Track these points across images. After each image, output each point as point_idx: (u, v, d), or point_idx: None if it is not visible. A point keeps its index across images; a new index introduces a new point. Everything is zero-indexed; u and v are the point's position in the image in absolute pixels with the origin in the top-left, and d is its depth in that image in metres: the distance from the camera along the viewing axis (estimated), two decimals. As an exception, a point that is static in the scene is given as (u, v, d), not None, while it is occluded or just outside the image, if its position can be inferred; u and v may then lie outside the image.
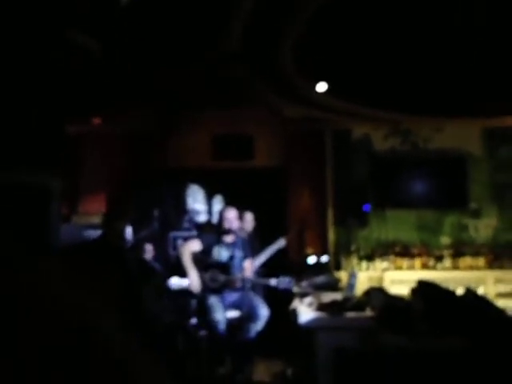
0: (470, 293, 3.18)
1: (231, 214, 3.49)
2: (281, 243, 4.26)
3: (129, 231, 4.07)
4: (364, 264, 5.12)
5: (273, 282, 3.37)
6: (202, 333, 3.66)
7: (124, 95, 4.89)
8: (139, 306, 2.84)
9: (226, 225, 3.44)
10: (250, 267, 3.54)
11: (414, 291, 3.43)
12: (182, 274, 3.52)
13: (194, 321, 3.69)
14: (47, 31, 2.76)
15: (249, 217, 4.25)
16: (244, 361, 3.48)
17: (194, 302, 3.71)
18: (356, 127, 5.53)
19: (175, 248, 4.73)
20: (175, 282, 3.67)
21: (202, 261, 3.39)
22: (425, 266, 5.04)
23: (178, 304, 3.78)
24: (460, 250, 5.12)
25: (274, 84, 4.24)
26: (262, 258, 4.13)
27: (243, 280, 3.39)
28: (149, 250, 4.27)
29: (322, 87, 3.96)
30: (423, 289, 3.39)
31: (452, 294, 3.38)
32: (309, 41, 3.55)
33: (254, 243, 4.16)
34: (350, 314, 3.22)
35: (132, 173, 5.43)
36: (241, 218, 4.12)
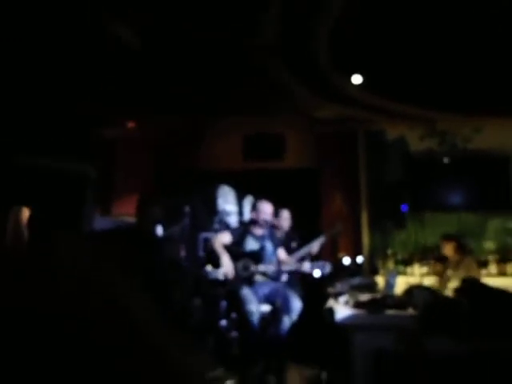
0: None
1: (267, 207, 3.40)
2: (320, 241, 4.09)
3: (159, 228, 4.03)
4: (401, 269, 4.87)
5: (307, 266, 3.22)
6: (234, 334, 3.53)
7: (157, 99, 4.96)
8: (166, 295, 2.76)
9: (261, 216, 3.35)
10: (284, 258, 3.42)
11: (458, 290, 3.20)
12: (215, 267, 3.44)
13: (224, 322, 3.57)
14: (88, 21, 2.82)
15: (285, 214, 4.13)
16: (277, 361, 3.31)
17: (224, 304, 3.60)
18: (390, 128, 5.36)
19: (205, 250, 4.66)
20: (209, 270, 3.57)
21: (234, 252, 3.31)
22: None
23: (210, 303, 3.68)
24: (506, 255, 4.80)
25: (307, 79, 4.18)
26: (301, 253, 3.96)
27: (276, 270, 3.26)
28: (181, 250, 4.21)
29: (357, 79, 3.86)
30: (470, 287, 3.15)
31: (503, 292, 3.12)
32: (345, 33, 3.49)
33: (291, 241, 4.03)
34: (390, 312, 3.02)
35: (165, 175, 5.46)
36: (277, 215, 4.03)
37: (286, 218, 4.12)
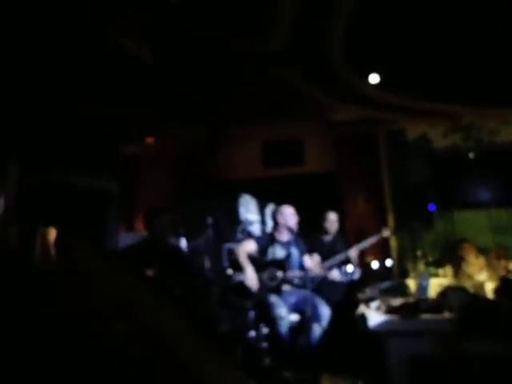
0: None
1: (288, 209, 3.36)
2: (360, 247, 4.00)
3: (183, 241, 4.02)
4: (432, 270, 4.70)
5: (335, 274, 3.14)
6: (264, 345, 3.46)
7: (175, 112, 4.99)
8: (192, 308, 2.73)
9: (282, 220, 3.30)
10: (311, 265, 3.34)
11: (498, 290, 3.05)
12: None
13: (253, 333, 3.51)
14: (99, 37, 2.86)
15: (332, 216, 4.04)
16: (310, 372, 3.22)
17: (252, 314, 3.54)
18: (411, 126, 5.24)
19: (229, 260, 4.62)
20: (231, 273, 3.52)
21: (259, 261, 3.26)
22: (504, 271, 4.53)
23: (237, 313, 3.63)
24: (544, 251, 4.56)
25: (324, 82, 4.12)
26: (339, 258, 3.87)
27: (303, 277, 3.19)
28: (206, 262, 4.18)
29: (374, 79, 3.79)
30: (509, 287, 3.01)
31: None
32: (360, 32, 3.43)
33: (340, 243, 3.95)
34: (425, 317, 2.90)
35: (186, 188, 5.48)
36: (324, 218, 3.97)
37: (333, 220, 4.04)
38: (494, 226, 4.86)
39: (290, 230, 3.39)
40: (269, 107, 4.76)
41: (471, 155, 5.17)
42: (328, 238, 4.13)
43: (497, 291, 2.97)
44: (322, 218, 4.10)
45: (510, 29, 3.42)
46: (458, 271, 4.12)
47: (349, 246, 4.04)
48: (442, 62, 3.95)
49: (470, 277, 3.86)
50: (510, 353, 2.60)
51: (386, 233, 4.09)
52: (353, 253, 3.87)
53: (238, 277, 3.41)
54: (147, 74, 3.82)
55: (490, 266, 3.92)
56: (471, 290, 3.21)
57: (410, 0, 3.19)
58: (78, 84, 3.23)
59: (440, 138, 5.16)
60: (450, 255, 4.55)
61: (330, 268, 3.55)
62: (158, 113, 4.90)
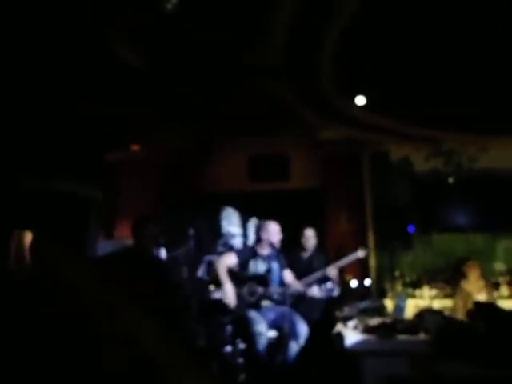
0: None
1: (273, 226, 3.36)
2: (338, 264, 4.01)
3: (163, 251, 3.97)
4: (410, 291, 4.76)
5: (315, 290, 3.14)
6: (239, 361, 3.42)
7: (162, 121, 4.98)
8: (170, 320, 2.68)
9: (265, 236, 3.31)
10: (291, 280, 3.34)
11: (471, 313, 3.11)
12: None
13: (229, 348, 3.47)
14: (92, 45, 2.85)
15: (310, 233, 4.05)
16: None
17: (229, 328, 3.51)
18: (395, 149, 5.36)
19: (209, 273, 4.58)
20: (212, 289, 3.49)
21: (239, 275, 3.24)
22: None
23: (214, 328, 3.58)
24: (518, 276, 4.69)
25: (311, 101, 4.20)
26: (316, 276, 3.87)
27: (282, 293, 3.18)
28: (185, 273, 4.13)
29: (361, 101, 3.88)
30: (482, 310, 3.06)
31: (517, 315, 3.02)
32: (348, 56, 3.52)
33: (316, 260, 3.96)
34: (402, 337, 2.92)
35: (169, 198, 5.44)
36: (301, 235, 3.98)
37: (310, 236, 4.04)
38: (471, 251, 4.96)
39: (271, 245, 3.39)
40: (257, 121, 4.81)
41: (451, 180, 5.31)
42: (306, 255, 4.15)
43: (472, 314, 3.02)
44: (299, 234, 4.12)
45: (495, 63, 3.56)
46: (456, 288, 4.06)
47: (327, 263, 4.05)
48: (427, 88, 4.08)
49: (468, 295, 3.85)
50: (484, 374, 2.63)
51: (362, 253, 4.11)
52: (332, 271, 3.89)
53: (217, 293, 3.38)
54: (136, 78, 3.81)
55: (487, 289, 3.97)
56: (467, 308, 3.24)
57: (396, 25, 3.29)
58: (62, 89, 3.20)
59: (422, 162, 5.29)
60: (452, 272, 4.50)
61: (309, 285, 3.55)
62: (145, 119, 4.88)
